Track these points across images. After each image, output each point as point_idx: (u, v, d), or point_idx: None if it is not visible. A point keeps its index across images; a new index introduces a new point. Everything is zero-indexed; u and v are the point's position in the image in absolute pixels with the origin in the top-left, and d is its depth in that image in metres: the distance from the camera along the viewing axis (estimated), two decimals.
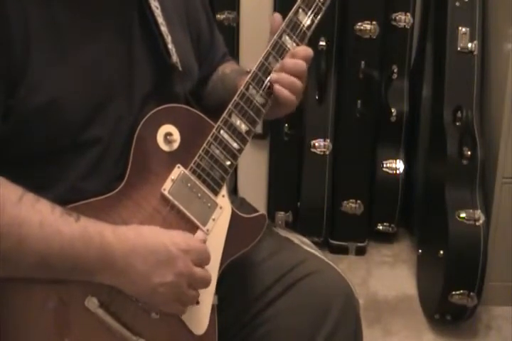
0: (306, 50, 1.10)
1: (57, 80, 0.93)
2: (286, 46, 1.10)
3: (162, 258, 0.94)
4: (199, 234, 1.02)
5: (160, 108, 1.02)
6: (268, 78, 1.08)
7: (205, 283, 1.01)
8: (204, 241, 1.01)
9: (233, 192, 2.31)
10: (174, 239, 0.97)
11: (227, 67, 1.28)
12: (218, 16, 2.16)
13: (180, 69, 1.07)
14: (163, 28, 1.05)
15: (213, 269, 1.04)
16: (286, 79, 1.08)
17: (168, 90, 1.07)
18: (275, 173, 2.34)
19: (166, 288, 0.95)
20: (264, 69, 1.08)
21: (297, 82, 1.09)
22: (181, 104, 1.06)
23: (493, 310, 2.09)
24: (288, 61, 1.09)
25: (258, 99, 1.08)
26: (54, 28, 0.93)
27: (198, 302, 1.02)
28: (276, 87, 1.07)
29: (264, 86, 1.08)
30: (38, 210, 0.89)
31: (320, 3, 1.13)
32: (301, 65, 1.09)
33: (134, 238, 0.94)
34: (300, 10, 1.11)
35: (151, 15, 1.04)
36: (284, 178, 2.35)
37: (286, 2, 2.04)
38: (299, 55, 1.09)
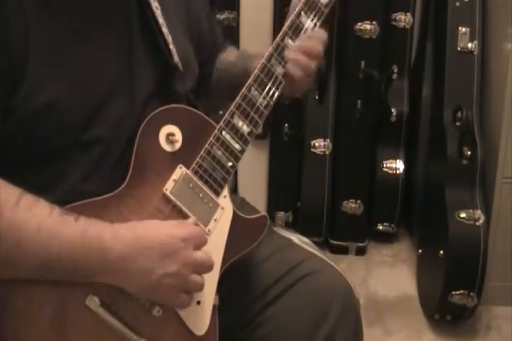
0: (324, 35, 1.13)
1: (57, 81, 0.93)
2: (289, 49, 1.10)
3: (164, 252, 0.94)
4: (190, 219, 1.02)
5: (162, 108, 1.02)
6: (274, 84, 1.09)
7: (209, 266, 1.00)
8: (196, 224, 1.01)
9: (233, 192, 2.31)
10: (171, 230, 0.96)
11: (230, 54, 1.29)
12: (218, 16, 2.16)
13: (181, 69, 1.07)
14: (165, 29, 1.05)
15: (215, 270, 1.03)
16: (302, 61, 1.11)
17: (170, 90, 1.07)
18: (275, 173, 2.34)
19: (170, 279, 0.95)
20: (267, 71, 1.09)
21: (312, 64, 1.12)
22: (183, 104, 1.06)
23: (493, 310, 2.09)
24: (306, 43, 1.11)
25: (260, 101, 1.08)
26: (53, 29, 0.93)
27: (198, 302, 1.02)
28: (289, 65, 1.10)
29: (271, 93, 1.09)
30: (36, 213, 0.89)
31: (322, 7, 1.14)
32: (318, 48, 1.12)
33: (131, 238, 0.93)
34: (302, 12, 1.12)
35: (151, 16, 1.04)
36: (284, 178, 2.35)
37: (286, 2, 2.06)
38: (318, 38, 1.12)
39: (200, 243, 0.98)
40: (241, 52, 1.31)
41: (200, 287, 0.99)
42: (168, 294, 0.97)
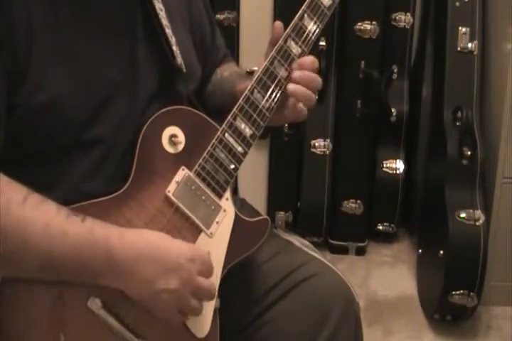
0: (314, 62, 1.12)
1: (58, 79, 0.93)
2: (292, 51, 1.10)
3: (169, 266, 0.94)
4: (201, 242, 1.02)
5: (165, 109, 1.02)
6: (277, 87, 1.09)
7: (210, 295, 1.00)
8: (208, 253, 1.01)
9: (233, 192, 2.30)
10: (180, 247, 0.97)
11: (227, 70, 1.28)
12: (218, 16, 2.16)
13: (184, 70, 1.07)
14: (168, 30, 1.05)
15: (216, 272, 1.03)
16: (304, 93, 1.10)
17: (173, 91, 1.07)
18: (275, 173, 2.34)
19: (169, 295, 0.95)
20: (270, 74, 1.08)
21: (313, 97, 1.11)
22: (186, 106, 1.06)
23: (493, 310, 2.09)
24: (307, 75, 1.10)
25: (263, 104, 1.08)
26: (56, 28, 0.94)
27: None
28: (292, 100, 1.09)
29: (274, 95, 1.09)
30: (43, 211, 0.89)
31: (325, 9, 1.13)
32: (318, 80, 1.11)
33: (141, 244, 0.94)
34: (305, 15, 1.12)
35: (155, 17, 1.04)
36: (284, 178, 2.35)
37: (286, 2, 2.06)
38: (309, 66, 1.11)
39: (206, 270, 0.99)
40: (237, 69, 1.31)
41: (196, 313, 1.00)
42: (163, 309, 0.97)
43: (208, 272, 0.99)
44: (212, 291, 1.01)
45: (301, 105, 1.10)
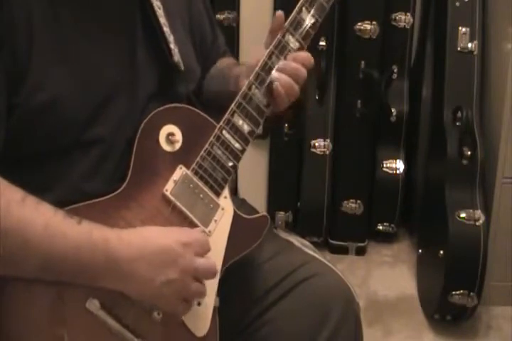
0: (308, 58, 1.11)
1: (58, 79, 0.93)
2: (289, 45, 1.09)
3: (166, 259, 0.94)
4: (198, 228, 1.02)
5: (162, 108, 1.02)
6: (269, 76, 1.08)
7: (212, 273, 1.00)
8: (202, 232, 1.01)
9: (233, 192, 2.31)
10: (175, 235, 0.97)
11: (225, 62, 1.29)
12: (218, 16, 2.16)
13: (182, 69, 1.07)
14: (166, 29, 1.05)
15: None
16: (287, 81, 1.08)
17: (171, 90, 1.07)
18: (275, 173, 2.34)
19: (170, 286, 0.95)
20: (267, 69, 1.08)
21: (295, 87, 1.09)
22: (184, 104, 1.06)
23: (493, 310, 2.09)
24: (292, 65, 1.09)
25: (261, 99, 1.08)
26: (56, 28, 0.94)
27: (199, 304, 1.02)
28: (276, 85, 1.07)
29: (265, 83, 1.08)
30: (42, 212, 0.89)
31: (324, 3, 1.12)
32: (303, 72, 1.10)
33: (140, 242, 0.94)
34: (304, 9, 1.10)
35: (153, 16, 1.04)
36: (284, 178, 2.35)
37: (286, 2, 2.06)
38: (301, 60, 1.10)
39: (202, 250, 0.98)
40: (234, 61, 1.31)
41: (201, 295, 1.00)
42: (168, 302, 0.97)
43: (205, 250, 0.99)
44: (213, 268, 1.00)
45: (284, 93, 1.08)
